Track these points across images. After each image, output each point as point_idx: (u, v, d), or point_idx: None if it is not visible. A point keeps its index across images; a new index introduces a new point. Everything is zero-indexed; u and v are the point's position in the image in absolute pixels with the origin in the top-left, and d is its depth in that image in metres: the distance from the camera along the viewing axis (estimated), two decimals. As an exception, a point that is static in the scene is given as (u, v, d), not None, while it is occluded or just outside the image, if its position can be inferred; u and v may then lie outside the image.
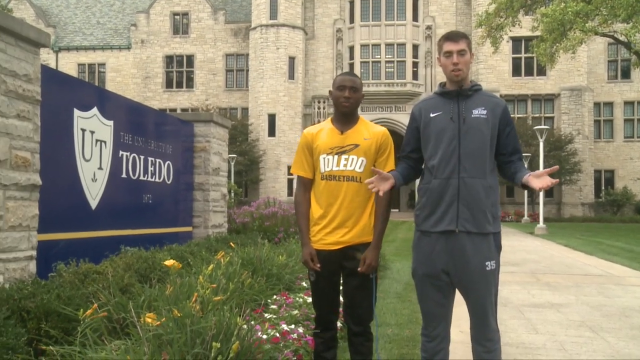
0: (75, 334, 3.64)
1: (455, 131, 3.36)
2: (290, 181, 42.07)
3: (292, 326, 4.67)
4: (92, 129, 6.99)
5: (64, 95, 6.53)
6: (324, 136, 3.70)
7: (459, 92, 3.41)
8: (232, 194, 18.77)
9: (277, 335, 4.29)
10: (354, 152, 3.63)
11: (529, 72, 41.66)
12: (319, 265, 3.57)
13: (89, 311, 3.51)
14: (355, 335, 3.68)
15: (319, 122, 43.48)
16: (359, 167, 3.62)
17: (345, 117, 3.69)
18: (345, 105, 3.64)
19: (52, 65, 43.46)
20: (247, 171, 40.43)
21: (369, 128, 3.73)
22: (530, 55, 37.61)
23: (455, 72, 3.37)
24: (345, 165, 3.62)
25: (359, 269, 3.54)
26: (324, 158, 3.65)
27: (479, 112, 3.37)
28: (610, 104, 42.85)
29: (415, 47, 42.89)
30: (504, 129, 3.43)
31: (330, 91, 3.77)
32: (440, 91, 3.50)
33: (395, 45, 42.61)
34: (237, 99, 45.80)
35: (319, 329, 3.77)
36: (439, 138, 3.38)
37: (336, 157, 3.63)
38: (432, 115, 3.43)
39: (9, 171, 5.06)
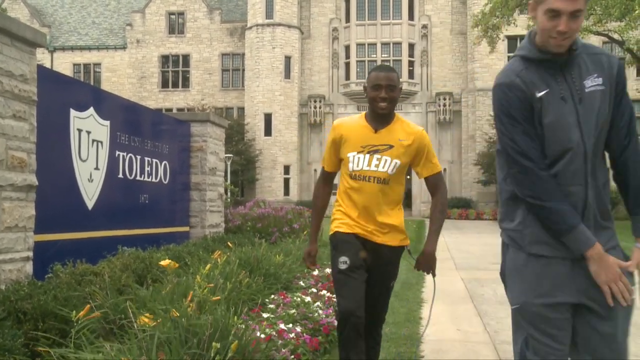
0: (72, 335, 3.63)
1: (574, 117, 2.33)
2: (286, 180, 42.05)
3: (290, 325, 4.67)
4: (89, 129, 6.97)
5: (60, 96, 6.51)
6: (355, 132, 3.43)
7: (569, 58, 2.35)
8: (229, 194, 18.78)
9: (275, 334, 4.29)
10: (387, 152, 3.37)
11: (525, 71, 41.65)
12: (315, 266, 3.45)
13: (82, 312, 3.50)
14: (366, 337, 3.44)
15: (314, 121, 43.71)
16: (392, 170, 3.37)
17: (381, 117, 3.41)
18: (383, 107, 3.36)
19: (47, 65, 43.33)
20: (243, 171, 40.41)
21: (405, 127, 3.44)
22: (525, 53, 37.56)
23: (560, 40, 2.30)
24: (377, 166, 3.37)
25: (427, 273, 3.49)
26: (354, 156, 3.40)
27: (594, 83, 2.34)
28: (605, 102, 42.93)
29: (411, 46, 42.92)
30: (620, 96, 2.39)
31: (364, 86, 3.49)
32: (538, 56, 2.37)
33: (391, 44, 42.65)
34: (233, 98, 45.76)
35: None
36: (556, 130, 2.34)
37: (367, 156, 3.38)
38: (538, 94, 2.35)
39: (5, 172, 5.05)
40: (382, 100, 3.33)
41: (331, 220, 3.55)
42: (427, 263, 3.49)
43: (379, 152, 3.37)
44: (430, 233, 3.50)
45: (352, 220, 3.42)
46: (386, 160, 3.36)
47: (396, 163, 3.37)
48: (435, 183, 3.49)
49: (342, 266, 3.34)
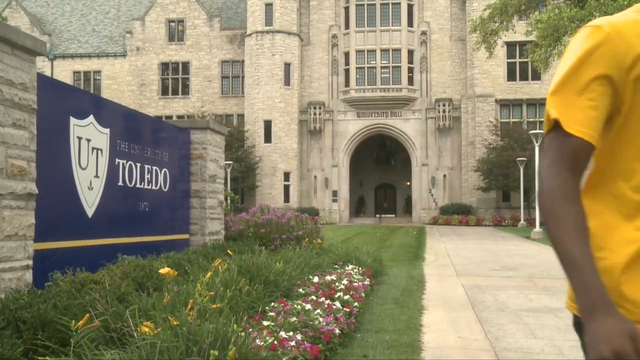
0: (72, 344, 3.63)
1: None
2: (286, 187, 42.06)
3: (291, 333, 4.66)
4: (89, 137, 6.98)
5: (60, 104, 6.51)
6: None
7: None
8: (229, 201, 18.78)
9: (275, 342, 4.27)
10: None
11: (524, 77, 41.82)
12: None
13: (81, 321, 3.49)
14: None
15: (314, 128, 43.83)
16: None
17: None
18: None
19: (47, 73, 43.41)
20: (243, 178, 40.44)
21: None
22: (524, 60, 37.71)
23: None
24: None
25: None
26: None
27: None
28: (605, 108, 43.01)
29: (411, 53, 43.01)
30: None
31: None
32: None
33: (391, 51, 42.74)
34: (232, 105, 45.83)
35: None
36: None
37: None
38: None
39: (5, 180, 5.05)
40: None
41: (622, 266, 1.47)
42: None
43: None
44: None
45: None
46: None
47: None
48: None
49: None
